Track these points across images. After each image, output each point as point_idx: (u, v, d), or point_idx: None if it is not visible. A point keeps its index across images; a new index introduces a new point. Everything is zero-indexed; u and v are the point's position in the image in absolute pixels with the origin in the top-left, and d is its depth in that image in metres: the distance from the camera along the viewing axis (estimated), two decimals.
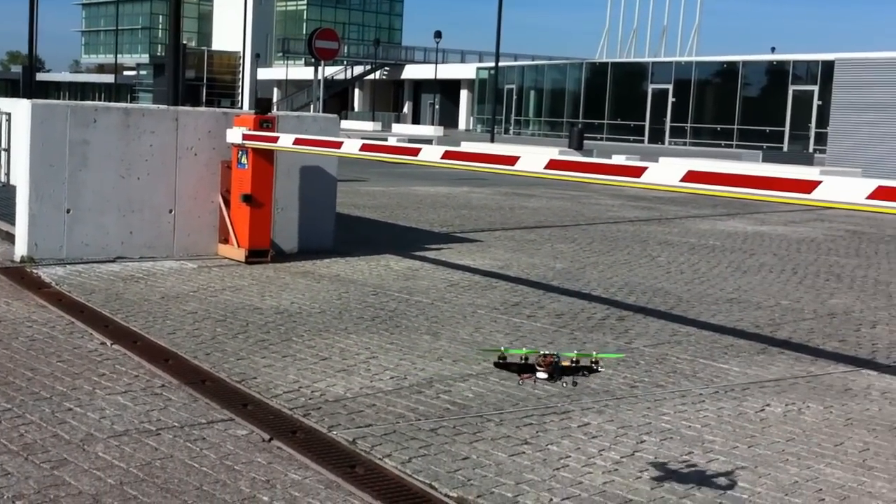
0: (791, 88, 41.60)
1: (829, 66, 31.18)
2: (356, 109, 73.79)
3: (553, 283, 7.30)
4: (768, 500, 3.29)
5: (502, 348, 3.27)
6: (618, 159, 10.52)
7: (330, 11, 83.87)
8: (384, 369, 4.67)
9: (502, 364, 3.26)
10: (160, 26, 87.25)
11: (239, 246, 7.45)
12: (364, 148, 6.46)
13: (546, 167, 5.12)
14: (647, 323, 6.00)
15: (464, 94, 65.81)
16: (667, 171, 4.62)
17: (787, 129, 41.35)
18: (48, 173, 6.97)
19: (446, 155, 5.83)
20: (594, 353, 3.28)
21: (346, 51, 68.74)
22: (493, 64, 41.28)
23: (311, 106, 47.46)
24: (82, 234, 7.12)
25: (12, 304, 5.71)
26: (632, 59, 56.05)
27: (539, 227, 10.94)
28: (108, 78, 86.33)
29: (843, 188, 3.95)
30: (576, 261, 8.48)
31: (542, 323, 5.84)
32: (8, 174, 10.90)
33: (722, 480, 3.44)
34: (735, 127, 43.53)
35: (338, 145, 6.75)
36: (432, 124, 57.55)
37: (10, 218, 7.66)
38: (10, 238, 7.48)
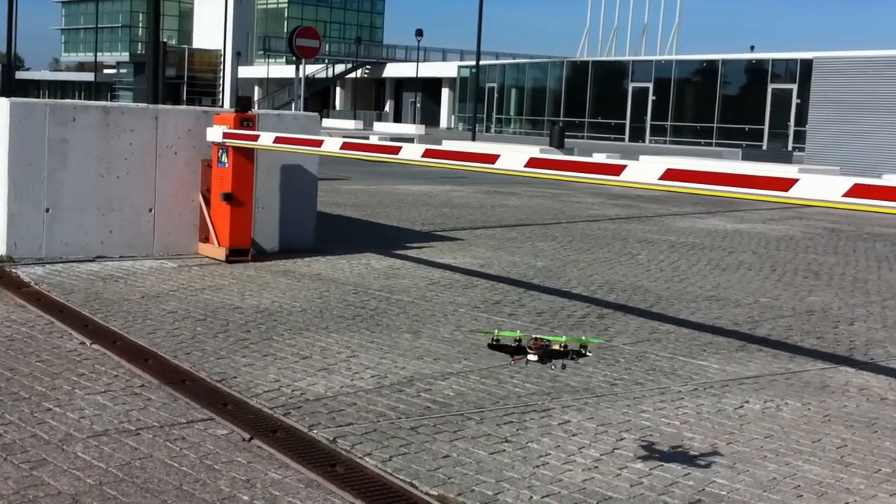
0: (770, 87, 41.85)
1: (807, 65, 31.37)
2: (338, 108, 73.66)
3: (534, 281, 7.32)
4: (747, 496, 3.32)
5: (496, 331, 3.34)
6: (598, 157, 10.56)
7: (311, 9, 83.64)
8: (365, 368, 4.67)
9: (496, 346, 3.39)
10: (140, 24, 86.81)
11: (219, 245, 7.42)
12: (345, 146, 6.45)
13: (526, 165, 5.13)
14: (627, 321, 6.03)
15: (445, 93, 65.80)
16: (646, 169, 4.64)
17: (766, 127, 41.60)
18: (27, 172, 6.93)
19: (427, 153, 5.84)
20: (583, 337, 3.38)
21: (327, 49, 68.59)
22: (474, 62, 41.30)
23: (293, 104, 47.35)
24: (62, 234, 7.08)
25: None
26: (612, 58, 56.20)
27: (520, 226, 10.96)
28: (88, 76, 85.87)
29: (821, 186, 3.99)
30: (556, 259, 8.50)
31: (523, 321, 5.85)
32: None
33: (700, 476, 3.47)
34: (715, 125, 43.75)
35: (318, 144, 6.74)
36: (414, 123, 57.50)
37: None
38: None
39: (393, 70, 71.12)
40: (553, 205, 13.77)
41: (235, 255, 7.40)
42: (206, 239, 7.58)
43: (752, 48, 59.15)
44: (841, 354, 5.44)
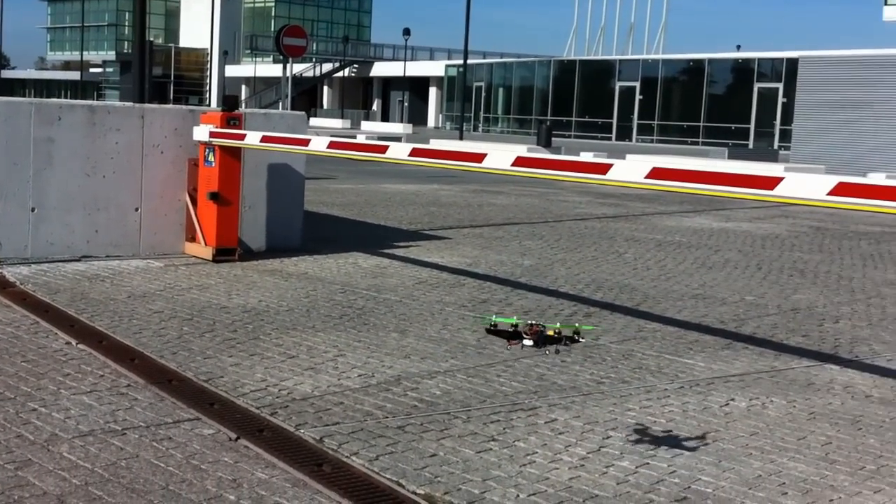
0: (756, 86, 42.00)
1: (793, 64, 31.51)
2: (325, 107, 73.56)
3: (521, 279, 7.33)
4: (732, 493, 3.33)
5: (493, 316, 3.43)
6: (585, 156, 10.57)
7: (298, 8, 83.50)
8: (352, 367, 4.67)
9: (493, 331, 3.57)
10: (126, 23, 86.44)
11: (206, 244, 7.41)
12: (332, 145, 6.45)
13: (513, 164, 5.14)
14: (614, 319, 6.05)
15: (433, 92, 65.81)
16: (632, 167, 4.66)
17: (752, 126, 41.75)
18: (12, 172, 6.90)
19: (414, 152, 5.84)
20: (576, 324, 3.47)
21: (314, 48, 68.50)
22: (461, 61, 41.30)
23: (280, 103, 47.27)
24: (47, 233, 7.05)
25: None
26: (599, 57, 56.31)
27: (507, 224, 10.97)
28: (75, 75, 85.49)
29: (805, 185, 4.00)
30: (543, 258, 8.52)
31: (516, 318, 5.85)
32: None
33: (686, 474, 3.48)
34: (701, 124, 43.89)
35: (305, 143, 6.74)
36: (401, 122, 57.48)
37: None
38: None
39: (380, 69, 71.08)
40: (540, 203, 13.79)
41: (222, 254, 7.38)
42: (192, 238, 7.56)
43: (739, 47, 59.34)
44: (826, 352, 5.47)
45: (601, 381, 4.64)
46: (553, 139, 33.60)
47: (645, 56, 51.87)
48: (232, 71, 76.30)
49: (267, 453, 3.49)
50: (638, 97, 46.88)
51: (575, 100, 49.93)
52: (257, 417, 3.89)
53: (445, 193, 14.69)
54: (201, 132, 7.35)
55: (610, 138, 46.97)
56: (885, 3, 35.31)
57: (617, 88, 48.14)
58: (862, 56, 25.19)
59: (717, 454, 3.70)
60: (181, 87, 78.27)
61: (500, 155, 5.27)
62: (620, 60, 50.37)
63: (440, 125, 61.77)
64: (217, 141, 7.25)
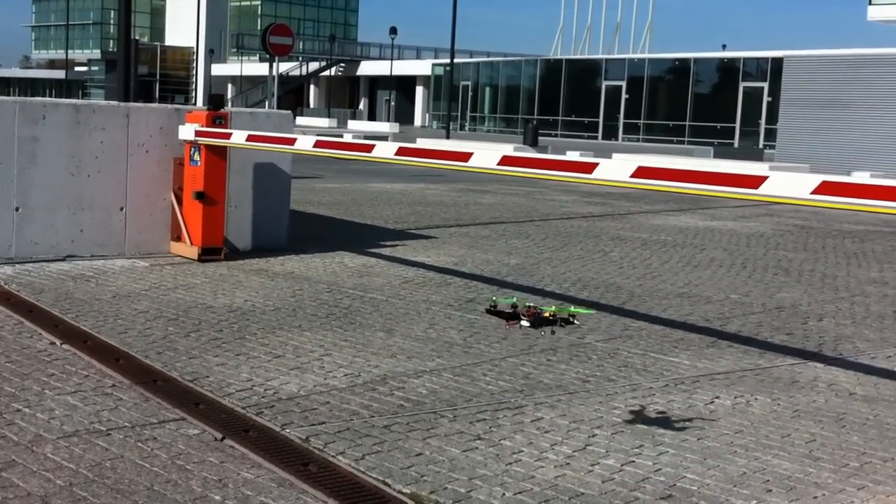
0: (742, 85, 42.16)
1: (778, 63, 31.63)
2: (311, 106, 73.46)
3: (507, 278, 7.34)
4: (717, 491, 3.35)
5: (493, 298, 3.56)
6: (571, 155, 10.59)
7: (284, 7, 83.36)
8: (338, 366, 4.66)
9: (493, 311, 3.76)
10: (112, 21, 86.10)
11: (192, 244, 7.39)
12: (318, 144, 6.44)
13: (499, 163, 5.14)
14: (600, 318, 6.06)
15: (419, 91, 65.78)
16: (617, 167, 4.67)
17: (737, 125, 41.89)
18: None
19: (400, 151, 5.84)
20: (571, 307, 3.59)
21: (300, 47, 68.41)
22: (448, 60, 41.30)
23: (266, 102, 47.13)
24: (31, 233, 7.02)
25: None
26: (586, 56, 56.41)
27: (493, 224, 10.98)
28: (59, 74, 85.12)
29: (789, 183, 4.02)
30: (530, 256, 8.53)
31: (496, 319, 5.85)
32: None
33: (671, 472, 3.49)
34: (687, 123, 44.02)
35: (291, 142, 6.73)
36: (388, 121, 57.44)
37: None
38: None
39: (367, 68, 71.00)
40: (526, 202, 13.81)
41: (208, 253, 7.36)
42: (178, 238, 7.54)
43: (724, 47, 59.57)
44: (810, 350, 5.50)
45: (587, 379, 4.65)
46: (540, 138, 33.66)
47: (631, 55, 51.99)
48: (218, 70, 76.06)
49: (253, 453, 3.49)
50: (624, 96, 46.98)
51: (561, 99, 50.00)
52: (243, 417, 3.88)
53: (432, 192, 14.69)
54: (187, 131, 7.33)
55: (596, 137, 47.06)
56: (870, 3, 35.49)
57: (603, 87, 48.24)
58: (847, 55, 25.33)
59: (702, 452, 3.72)
60: (167, 85, 78.02)
61: (487, 154, 5.28)
62: (607, 60, 50.48)
63: (427, 124, 61.75)
64: (203, 140, 7.23)
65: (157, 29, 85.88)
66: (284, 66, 65.44)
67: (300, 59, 71.24)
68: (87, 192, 7.22)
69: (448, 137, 35.30)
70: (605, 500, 3.23)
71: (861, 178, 4.09)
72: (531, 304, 3.64)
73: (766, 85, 40.33)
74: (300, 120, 53.48)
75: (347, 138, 14.36)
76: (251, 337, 5.16)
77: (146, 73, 70.53)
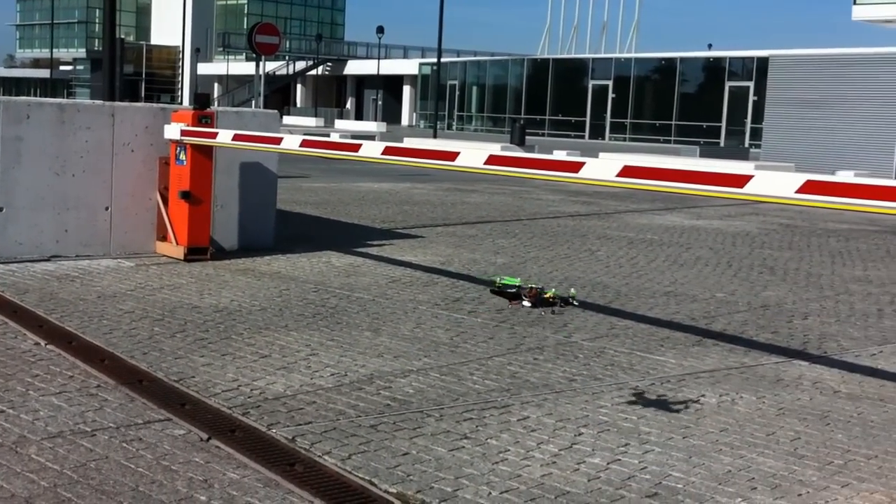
0: (727, 85, 42.32)
1: (763, 63, 31.75)
2: (298, 105, 73.34)
3: (494, 278, 7.33)
4: (702, 489, 3.36)
5: (497, 278, 3.71)
6: (558, 155, 10.61)
7: (271, 6, 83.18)
8: (325, 366, 4.66)
9: (498, 291, 4.24)
10: (97, 20, 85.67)
11: (177, 243, 7.37)
12: (304, 144, 6.43)
13: (486, 163, 5.14)
14: (586, 317, 6.07)
15: (406, 90, 65.76)
16: (604, 166, 4.68)
17: (723, 124, 42.05)
18: None
19: (387, 151, 5.83)
20: (571, 290, 3.75)
21: (287, 46, 68.27)
22: (435, 60, 41.30)
23: (253, 101, 47.04)
24: (16, 233, 6.98)
25: None
26: (573, 56, 56.50)
27: (480, 223, 10.99)
28: (44, 73, 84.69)
29: (774, 182, 4.04)
30: (516, 256, 8.54)
31: (483, 318, 5.87)
32: None
33: (657, 470, 3.50)
34: (673, 122, 44.16)
35: (277, 141, 6.72)
36: (375, 120, 57.41)
37: None
38: None
39: (354, 67, 70.93)
40: (513, 202, 13.82)
41: (194, 253, 7.34)
42: (163, 237, 7.51)
43: (710, 46, 59.74)
44: (795, 348, 5.52)
45: (573, 378, 4.66)
46: (527, 137, 33.69)
47: (618, 55, 52.11)
48: (204, 69, 75.86)
49: (239, 453, 3.48)
50: (611, 96, 47.10)
51: (548, 98, 50.08)
52: (229, 417, 3.88)
53: (419, 192, 14.69)
54: (172, 130, 7.31)
55: (583, 136, 47.16)
56: (855, 3, 35.67)
57: (590, 87, 48.34)
58: (831, 55, 25.44)
59: (687, 450, 3.73)
60: (153, 84, 77.78)
61: (473, 153, 5.28)
62: (593, 59, 50.59)
63: (414, 123, 61.73)
64: (188, 139, 7.21)
65: (143, 28, 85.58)
66: (271, 66, 65.31)
67: (287, 58, 71.12)
68: (72, 192, 7.19)
69: (435, 137, 35.29)
70: (591, 499, 3.23)
71: (845, 177, 4.11)
72: (533, 286, 3.84)
73: (751, 84, 40.50)
74: (287, 119, 53.39)
75: (334, 138, 14.34)
76: (237, 337, 5.15)
77: (132, 73, 70.29)
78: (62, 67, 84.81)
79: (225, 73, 73.93)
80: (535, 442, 3.74)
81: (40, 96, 67.36)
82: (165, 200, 7.47)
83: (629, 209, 13.51)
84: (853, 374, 5.01)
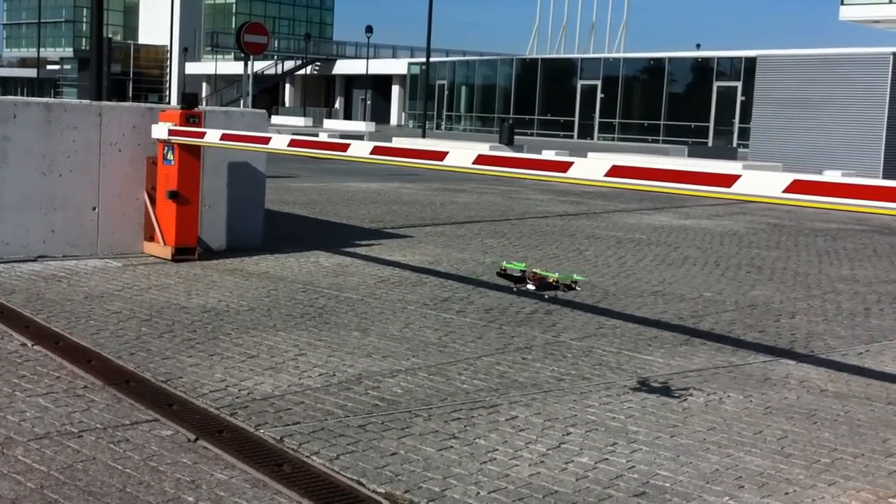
0: (715, 84, 42.44)
1: (751, 63, 31.84)
2: (287, 105, 73.23)
3: (482, 277, 7.35)
4: (690, 488, 3.37)
5: (504, 262, 4.18)
6: (547, 154, 10.63)
7: (259, 5, 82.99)
8: (313, 366, 4.65)
9: (503, 274, 4.15)
10: (84, 19, 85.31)
11: (165, 244, 7.35)
12: (292, 144, 6.42)
13: (474, 162, 5.15)
14: (575, 316, 6.08)
15: (395, 90, 65.72)
16: (592, 166, 4.69)
17: (711, 124, 42.17)
18: None
19: (375, 150, 5.83)
20: (574, 275, 3.84)
21: (276, 45, 68.14)
22: (424, 59, 41.28)
23: (241, 101, 46.95)
24: (2, 233, 6.95)
25: None
26: (561, 56, 56.57)
27: (469, 223, 10.99)
28: (31, 72, 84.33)
29: (761, 182, 4.05)
30: (505, 255, 8.54)
31: (471, 318, 5.87)
32: None
33: (645, 469, 3.51)
34: (662, 122, 44.27)
35: (266, 141, 6.70)
36: (364, 120, 57.35)
37: None
38: None
39: (343, 67, 70.86)
40: (502, 201, 13.83)
41: (181, 253, 7.32)
42: (151, 238, 7.49)
43: (698, 46, 59.91)
44: (782, 347, 5.54)
45: (562, 377, 4.67)
46: (515, 137, 33.69)
47: (606, 55, 52.20)
48: (192, 68, 75.67)
49: (226, 454, 3.47)
50: (599, 95, 47.17)
51: (537, 98, 50.13)
52: (217, 418, 3.87)
53: (407, 191, 14.68)
54: (160, 130, 7.29)
55: (572, 136, 47.23)
56: (842, 3, 35.80)
57: (579, 87, 48.40)
58: (819, 55, 25.54)
59: (675, 449, 3.74)
60: (140, 84, 77.55)
61: (462, 153, 5.28)
62: (582, 59, 50.66)
63: (403, 123, 61.70)
64: (176, 139, 7.19)
65: (131, 27, 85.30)
66: (259, 65, 65.23)
67: (275, 57, 71.00)
68: (59, 192, 7.16)
69: (424, 136, 35.28)
70: (580, 498, 3.24)
71: (833, 176, 4.13)
72: (537, 270, 4.04)
73: (739, 84, 40.63)
74: (275, 119, 53.30)
75: (323, 137, 14.33)
76: (225, 337, 5.14)
77: (119, 72, 70.08)
78: (49, 67, 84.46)
79: (213, 72, 73.76)
80: (523, 441, 3.75)
81: (27, 96, 67.10)
82: (153, 200, 7.45)
83: (617, 209, 13.54)
84: (840, 372, 5.03)
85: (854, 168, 20.42)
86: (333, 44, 79.12)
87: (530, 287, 4.06)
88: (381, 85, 65.81)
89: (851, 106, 23.21)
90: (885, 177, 18.90)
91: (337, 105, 71.14)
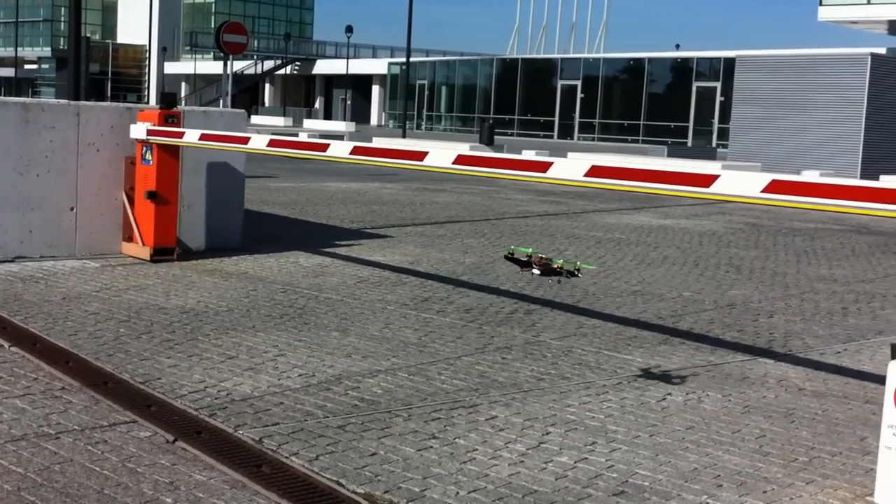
0: (695, 85, 42.64)
1: (730, 63, 32.01)
2: (267, 105, 72.98)
3: (462, 277, 7.35)
4: (668, 486, 3.38)
5: (512, 247, 4.47)
6: (527, 154, 10.64)
7: (239, 5, 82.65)
8: (292, 367, 4.64)
9: (511, 258, 4.34)
10: (62, 18, 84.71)
11: (144, 244, 7.31)
12: (272, 144, 6.40)
13: (454, 162, 5.15)
14: (554, 316, 6.09)
15: (375, 90, 65.64)
16: (572, 166, 4.70)
17: (691, 124, 42.36)
18: None
19: (355, 151, 5.82)
20: (578, 262, 4.39)
21: (255, 45, 67.92)
22: (404, 59, 41.26)
23: (220, 101, 46.73)
24: None
25: None
26: (541, 56, 56.68)
27: (449, 223, 10.99)
28: (9, 72, 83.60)
29: (740, 182, 4.07)
30: (485, 255, 8.55)
31: (451, 318, 5.87)
32: None
33: (624, 468, 3.52)
34: (641, 122, 44.43)
35: (245, 141, 6.68)
36: (344, 120, 57.23)
37: None
38: None
39: (323, 67, 70.70)
40: (482, 201, 13.84)
41: (160, 254, 7.29)
42: (129, 238, 7.45)
43: (678, 46, 60.18)
44: (760, 346, 5.57)
45: (541, 377, 4.67)
46: (496, 137, 33.74)
47: (586, 55, 52.34)
48: (171, 68, 75.31)
49: (205, 455, 3.46)
50: (579, 96, 47.29)
51: (517, 98, 50.19)
52: (196, 419, 3.85)
53: (387, 192, 14.67)
54: (138, 130, 7.25)
55: (552, 136, 47.32)
56: (821, 4, 36.04)
57: (559, 87, 48.51)
58: (797, 55, 25.71)
59: (653, 448, 3.75)
60: (119, 84, 77.10)
61: (442, 153, 5.28)
62: (562, 59, 50.78)
63: (383, 123, 61.65)
64: (155, 139, 7.16)
65: (109, 26, 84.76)
66: (239, 65, 64.98)
67: (255, 57, 70.75)
68: (37, 192, 7.11)
69: (404, 136, 35.26)
70: (559, 498, 3.24)
71: (811, 176, 4.15)
72: (542, 256, 4.25)
73: (718, 85, 40.83)
74: (255, 119, 53.12)
75: (303, 137, 14.30)
76: (204, 338, 5.12)
77: (98, 72, 69.67)
78: (27, 66, 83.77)
79: (192, 72, 73.41)
80: (502, 441, 3.75)
81: (5, 95, 66.53)
82: (131, 200, 7.41)
83: (597, 209, 13.58)
84: (818, 371, 5.06)
85: (832, 168, 20.57)
86: (313, 43, 78.92)
87: (535, 272, 4.28)
88: (361, 85, 65.71)
89: (830, 106, 23.38)
90: (863, 177, 19.06)
91: (317, 105, 70.97)
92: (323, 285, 6.74)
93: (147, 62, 78.22)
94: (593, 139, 45.25)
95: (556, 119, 48.19)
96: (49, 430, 3.62)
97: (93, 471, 3.27)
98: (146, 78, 78.49)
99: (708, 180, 4.16)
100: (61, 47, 71.30)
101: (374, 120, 64.64)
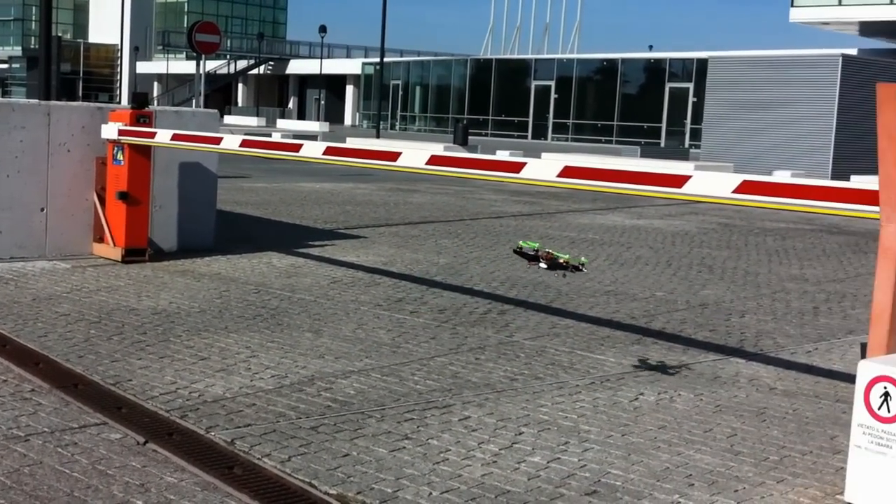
0: (668, 86, 42.89)
1: (703, 64, 32.25)
2: (240, 105, 72.63)
3: (436, 278, 7.35)
4: (640, 486, 3.40)
5: (521, 242, 4.54)
6: (501, 155, 10.66)
7: (212, 4, 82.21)
8: (265, 368, 4.62)
9: (518, 252, 4.49)
10: (33, 17, 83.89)
11: (115, 245, 7.25)
12: (244, 144, 6.37)
13: (427, 163, 5.15)
14: (528, 316, 6.10)
15: (349, 90, 65.52)
16: (545, 166, 4.71)
17: (664, 125, 42.61)
18: None
19: (328, 151, 5.80)
20: (582, 257, 4.57)
21: (228, 45, 67.57)
22: (378, 59, 41.21)
23: (193, 101, 46.48)
24: None
25: None
26: (515, 56, 56.79)
27: (423, 223, 10.99)
28: None
29: (711, 183, 4.10)
30: (459, 256, 8.55)
31: (425, 319, 5.87)
32: None
33: (596, 468, 3.53)
34: (615, 123, 44.63)
35: (217, 141, 6.64)
36: (318, 120, 57.09)
37: None
38: None
39: (296, 66, 70.45)
40: (456, 202, 13.84)
41: (132, 255, 7.23)
42: (100, 239, 7.39)
43: (651, 47, 60.52)
44: (732, 346, 5.61)
45: (514, 377, 4.68)
46: (470, 138, 33.76)
47: (560, 55, 52.52)
48: (143, 67, 74.82)
49: (176, 457, 3.43)
50: (553, 96, 47.44)
51: (491, 98, 50.28)
52: (167, 421, 3.82)
53: (361, 192, 14.64)
54: (110, 130, 7.19)
55: (526, 137, 47.44)
56: (792, 5, 36.35)
57: (533, 87, 48.64)
58: (769, 56, 25.94)
59: (626, 448, 3.77)
60: (91, 83, 76.46)
61: (415, 153, 5.28)
62: (536, 60, 50.93)
63: (357, 123, 61.53)
64: (126, 139, 7.10)
65: (81, 25, 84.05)
66: (212, 65, 64.67)
67: (228, 57, 70.40)
68: (6, 193, 7.03)
69: (378, 137, 35.22)
70: (532, 498, 3.25)
71: (782, 177, 4.20)
72: (549, 250, 4.43)
73: (691, 85, 41.09)
74: (228, 119, 52.87)
75: (276, 137, 14.25)
76: (176, 339, 5.08)
77: (69, 71, 69.04)
78: None
79: (165, 72, 72.96)
80: (476, 441, 3.75)
81: None
82: (102, 201, 7.35)
83: (571, 209, 13.62)
84: (789, 371, 5.10)
85: (804, 169, 20.75)
86: (287, 43, 78.62)
87: (542, 266, 4.44)
88: (335, 85, 65.57)
89: (801, 107, 23.59)
90: (834, 177, 19.24)
91: (290, 105, 70.72)
92: (296, 286, 6.72)
93: (119, 62, 77.63)
94: (567, 140, 45.40)
95: (531, 119, 48.32)
96: (18, 433, 3.59)
97: (63, 473, 3.24)
98: (118, 78, 77.91)
99: (680, 181, 4.19)
100: (32, 46, 70.56)
101: (348, 120, 64.51)
